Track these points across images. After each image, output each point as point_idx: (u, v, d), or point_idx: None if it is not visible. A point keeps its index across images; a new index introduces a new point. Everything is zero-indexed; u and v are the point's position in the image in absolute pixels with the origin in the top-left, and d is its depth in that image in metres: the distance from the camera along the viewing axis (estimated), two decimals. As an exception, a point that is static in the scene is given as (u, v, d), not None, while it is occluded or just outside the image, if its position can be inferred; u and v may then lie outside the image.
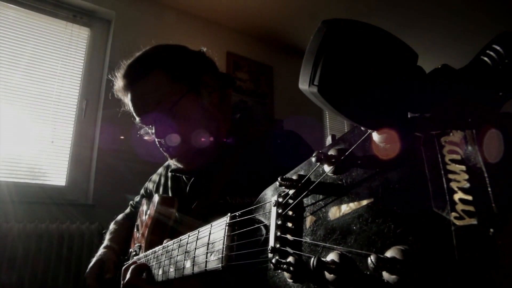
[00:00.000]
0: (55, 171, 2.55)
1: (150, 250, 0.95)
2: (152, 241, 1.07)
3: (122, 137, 2.62)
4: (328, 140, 0.39)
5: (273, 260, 0.37)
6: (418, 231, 0.25)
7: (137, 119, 1.06)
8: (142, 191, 1.48)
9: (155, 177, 1.40)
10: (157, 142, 1.04)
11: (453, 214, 0.22)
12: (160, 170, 1.40)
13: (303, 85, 0.25)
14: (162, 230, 1.10)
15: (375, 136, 0.29)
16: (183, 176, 1.16)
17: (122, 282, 0.90)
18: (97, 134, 2.68)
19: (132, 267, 0.89)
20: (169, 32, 3.18)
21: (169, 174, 1.24)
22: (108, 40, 2.94)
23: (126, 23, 2.98)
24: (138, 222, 1.36)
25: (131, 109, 1.07)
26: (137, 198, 1.52)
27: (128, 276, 0.87)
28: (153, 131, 1.03)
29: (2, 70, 2.45)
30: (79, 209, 2.46)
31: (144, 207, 1.34)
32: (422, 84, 0.24)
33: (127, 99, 1.09)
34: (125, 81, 1.06)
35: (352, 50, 0.23)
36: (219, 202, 0.96)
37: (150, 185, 1.40)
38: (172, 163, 1.10)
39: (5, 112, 2.42)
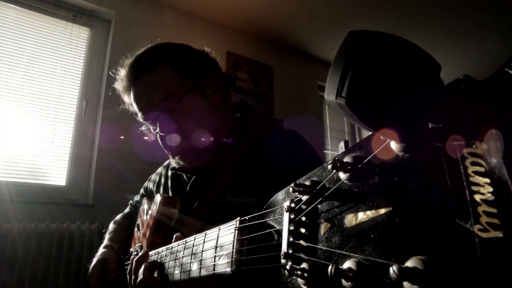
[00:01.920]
0: (55, 171, 2.55)
1: (154, 251, 0.95)
2: (154, 241, 1.07)
3: (122, 137, 2.61)
4: (341, 147, 0.39)
5: (287, 266, 0.37)
6: (439, 242, 0.25)
7: (140, 114, 1.05)
8: (142, 190, 1.48)
9: (154, 176, 1.40)
10: (159, 140, 1.04)
11: (477, 226, 0.22)
12: (160, 169, 1.39)
13: (330, 96, 0.25)
14: (164, 230, 1.09)
15: (393, 144, 0.29)
16: (184, 175, 1.15)
17: (133, 278, 0.87)
18: (97, 134, 2.67)
19: (144, 265, 0.85)
20: (169, 32, 3.17)
21: (169, 173, 1.23)
22: (108, 40, 2.92)
23: (126, 23, 2.97)
24: (139, 221, 1.35)
25: (134, 105, 1.05)
26: (136, 198, 1.51)
27: (141, 275, 0.83)
28: (156, 127, 1.02)
29: (2, 70, 2.44)
30: (79, 209, 2.45)
31: (145, 206, 1.33)
32: (444, 95, 0.24)
33: (128, 97, 1.08)
34: (129, 76, 1.04)
35: (380, 63, 0.23)
36: (220, 202, 0.96)
37: (150, 185, 1.40)
38: (174, 161, 1.09)
39: (5, 112, 2.41)
